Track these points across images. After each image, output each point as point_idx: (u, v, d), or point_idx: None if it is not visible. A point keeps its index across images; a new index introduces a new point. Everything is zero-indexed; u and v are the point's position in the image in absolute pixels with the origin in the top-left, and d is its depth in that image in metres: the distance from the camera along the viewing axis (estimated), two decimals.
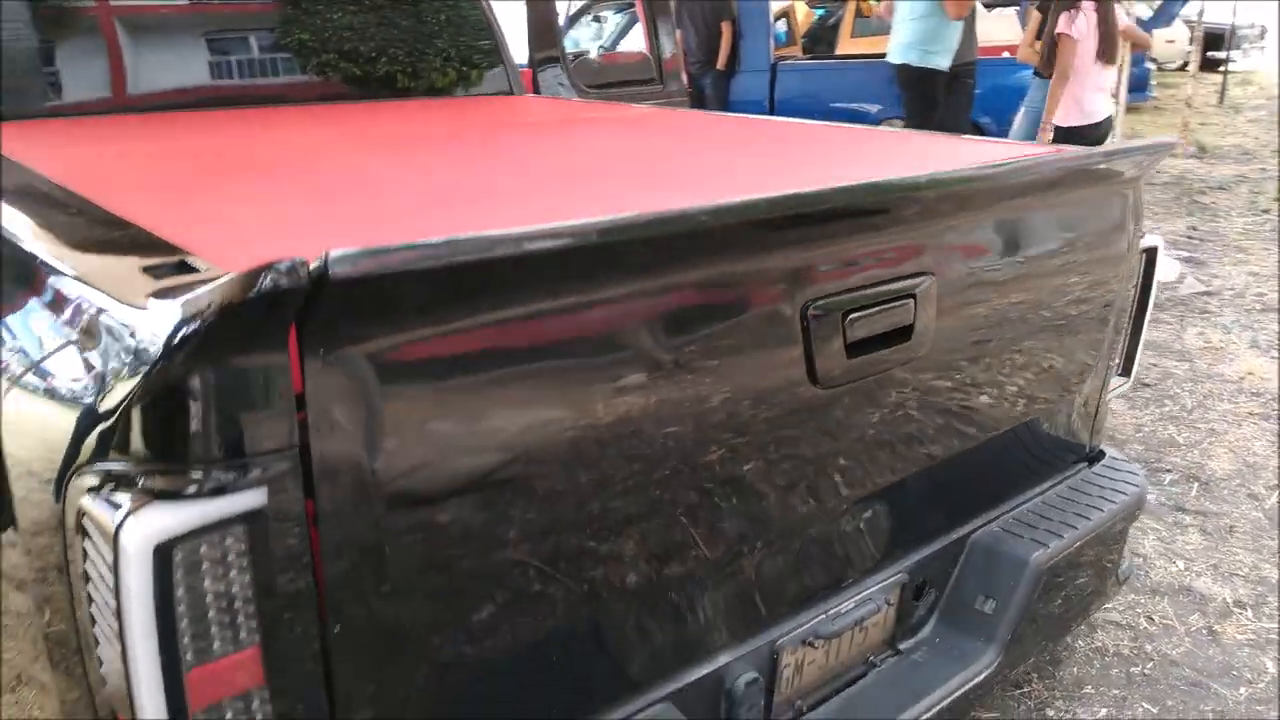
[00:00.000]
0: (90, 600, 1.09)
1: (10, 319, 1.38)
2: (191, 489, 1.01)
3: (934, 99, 6.84)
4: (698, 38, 8.89)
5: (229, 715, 1.10)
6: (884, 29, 8.67)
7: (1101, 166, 2.03)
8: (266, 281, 0.93)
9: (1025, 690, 2.44)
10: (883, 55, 7.44)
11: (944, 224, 1.74)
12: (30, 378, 1.26)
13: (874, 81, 8.05)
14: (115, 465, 1.04)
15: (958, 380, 1.86)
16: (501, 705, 1.35)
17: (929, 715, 1.84)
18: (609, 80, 4.79)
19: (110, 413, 1.06)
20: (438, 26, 3.67)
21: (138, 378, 1.02)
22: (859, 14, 11.71)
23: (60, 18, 2.96)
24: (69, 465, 1.10)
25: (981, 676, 1.94)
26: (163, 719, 1.04)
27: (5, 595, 1.37)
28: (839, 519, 1.75)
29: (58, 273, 1.30)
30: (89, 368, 1.13)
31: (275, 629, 1.09)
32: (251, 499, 1.02)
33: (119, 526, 0.99)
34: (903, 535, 1.91)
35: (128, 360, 1.05)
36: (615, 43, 9.15)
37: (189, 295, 0.98)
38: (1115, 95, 6.94)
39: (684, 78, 8.38)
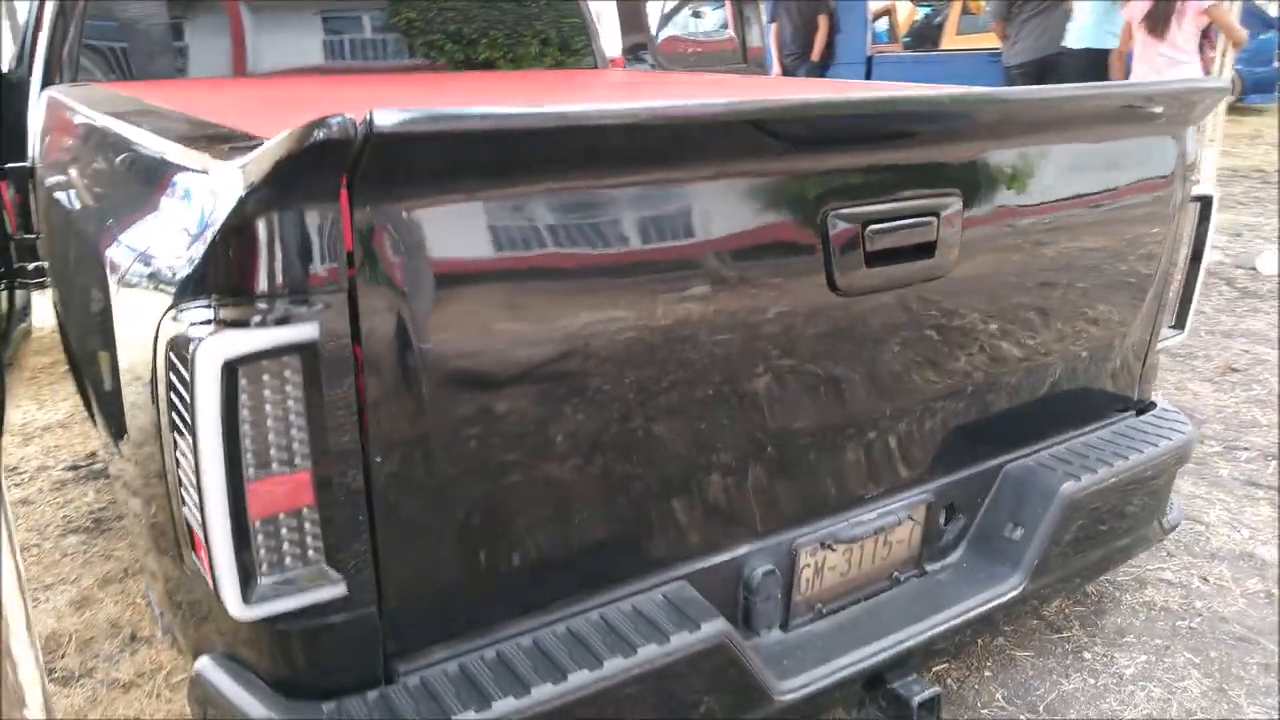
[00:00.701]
0: (175, 426, 1.28)
1: (128, 205, 1.60)
2: (255, 319, 1.19)
3: (1106, 79, 6.79)
4: (794, 31, 8.96)
5: (283, 529, 1.28)
6: (987, 26, 8.63)
7: (1140, 104, 2.06)
8: (319, 135, 1.10)
9: (1065, 634, 2.47)
10: (986, 49, 7.40)
11: (975, 147, 1.81)
12: (140, 248, 1.46)
13: (969, 72, 8.00)
14: (195, 303, 1.23)
15: (988, 309, 1.93)
16: (526, 555, 1.49)
17: (944, 629, 1.92)
18: (697, 66, 4.96)
19: (192, 259, 1.25)
20: (537, 12, 3.93)
21: (213, 227, 1.20)
22: (965, 11, 11.62)
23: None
24: (163, 310, 1.29)
25: (1003, 599, 2.00)
26: (227, 525, 1.22)
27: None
28: (863, 431, 1.84)
29: (164, 161, 1.51)
30: (182, 228, 1.33)
31: (324, 453, 1.26)
32: (305, 331, 1.19)
33: (195, 349, 1.17)
34: (929, 457, 1.99)
35: (208, 214, 1.24)
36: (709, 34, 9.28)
37: (253, 153, 1.17)
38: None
39: (774, 66, 8.45)
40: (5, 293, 3.73)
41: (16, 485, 3.34)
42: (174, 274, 1.29)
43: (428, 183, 1.24)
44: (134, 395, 1.46)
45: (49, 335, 4.47)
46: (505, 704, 1.37)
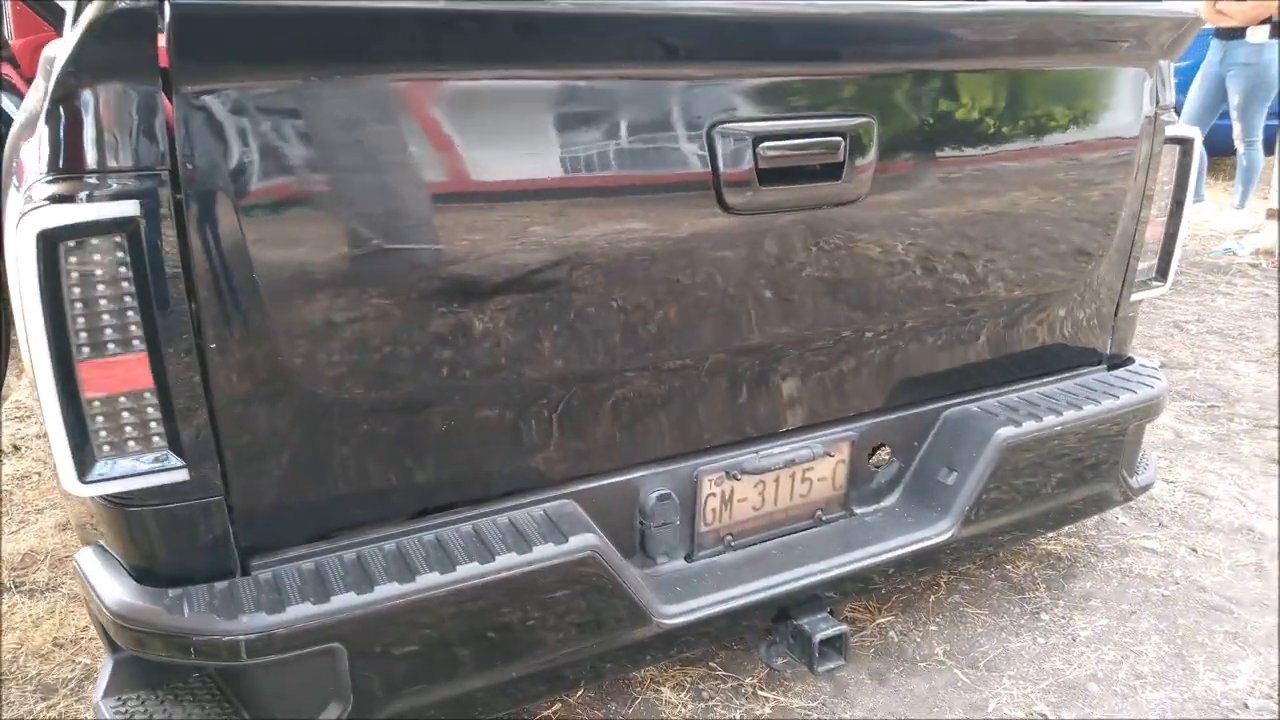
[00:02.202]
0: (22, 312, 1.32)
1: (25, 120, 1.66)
2: (82, 195, 1.22)
3: None
4: None
5: (123, 412, 1.31)
6: None
7: (1103, 28, 1.95)
8: (120, 3, 1.12)
9: (1026, 596, 2.37)
10: None
11: (898, 65, 1.74)
12: (16, 152, 1.52)
13: None
14: (33, 183, 1.27)
15: (919, 244, 1.85)
16: (390, 460, 1.50)
17: (856, 569, 1.86)
18: None
19: (33, 141, 1.29)
20: None
21: (45, 105, 1.24)
22: None
23: None
24: (20, 202, 1.34)
25: (928, 543, 1.94)
26: (55, 401, 1.25)
27: None
28: (774, 361, 1.79)
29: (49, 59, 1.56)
30: (35, 116, 1.37)
31: (156, 336, 1.28)
32: (125, 208, 1.22)
33: (18, 223, 1.20)
34: (854, 394, 1.93)
35: (46, 94, 1.27)
36: None
37: (72, 29, 1.20)
38: None
39: None
40: None
41: (39, 423, 3.50)
42: (28, 160, 1.33)
43: (244, 62, 1.25)
44: (13, 300, 1.52)
45: None
46: (344, 599, 1.38)
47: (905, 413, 2.03)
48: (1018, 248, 2.00)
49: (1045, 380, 2.22)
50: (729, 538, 1.87)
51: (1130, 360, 2.38)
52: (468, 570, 1.46)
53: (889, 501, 2.06)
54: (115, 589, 1.39)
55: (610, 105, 1.51)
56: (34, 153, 1.29)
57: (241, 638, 1.33)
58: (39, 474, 3.05)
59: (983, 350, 2.10)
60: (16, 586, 2.41)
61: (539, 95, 1.46)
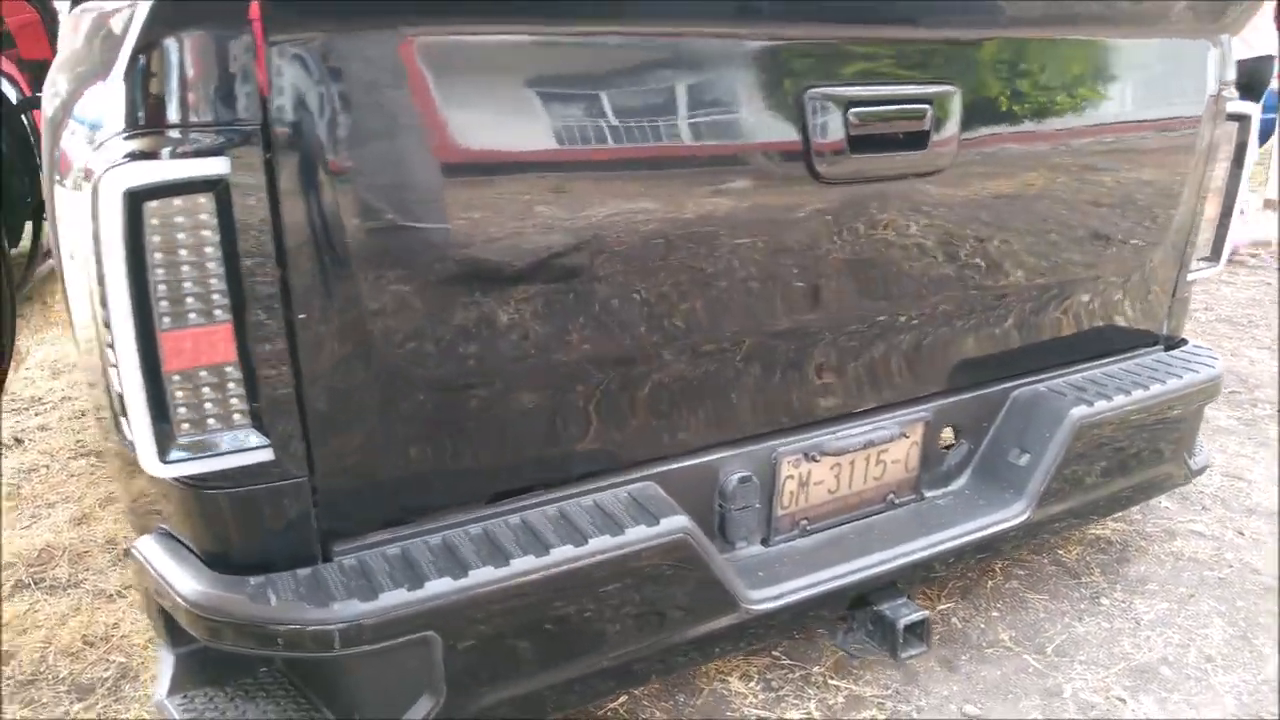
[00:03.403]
0: (98, 277, 1.22)
1: (76, 77, 1.56)
2: (165, 151, 1.12)
3: None
4: None
5: (204, 387, 1.22)
6: None
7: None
8: None
9: (1083, 580, 2.33)
10: None
11: (981, 33, 1.69)
12: (76, 109, 1.42)
13: None
14: (109, 139, 1.17)
15: (993, 218, 1.80)
16: (477, 441, 1.42)
17: (935, 553, 1.81)
18: None
19: (108, 96, 1.19)
20: None
21: (124, 57, 1.14)
22: None
23: None
24: (86, 158, 1.24)
25: (1004, 526, 1.88)
26: (138, 375, 1.16)
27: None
28: (853, 338, 1.73)
29: (102, 14, 1.46)
30: (105, 70, 1.27)
31: (243, 305, 1.19)
32: (216, 165, 1.13)
33: (98, 181, 1.11)
34: (929, 373, 1.87)
35: (124, 46, 1.17)
36: None
37: None
38: None
39: None
40: (31, 225, 3.78)
41: (37, 414, 3.37)
42: (96, 118, 1.24)
43: (341, 8, 1.16)
44: (72, 268, 1.42)
45: None
46: (439, 584, 1.30)
47: (976, 392, 1.97)
48: (1085, 224, 1.96)
49: (1105, 361, 2.17)
50: (804, 522, 1.80)
51: (1184, 341, 2.34)
52: (562, 554, 1.38)
53: (958, 484, 2.01)
54: (190, 578, 1.30)
55: (703, 68, 1.44)
56: (106, 108, 1.20)
57: (335, 627, 1.24)
58: (46, 467, 2.93)
59: (1048, 329, 2.04)
60: (36, 583, 2.30)
61: (640, 54, 1.39)
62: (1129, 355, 2.22)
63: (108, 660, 2.02)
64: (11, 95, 3.68)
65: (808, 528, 1.81)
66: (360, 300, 1.25)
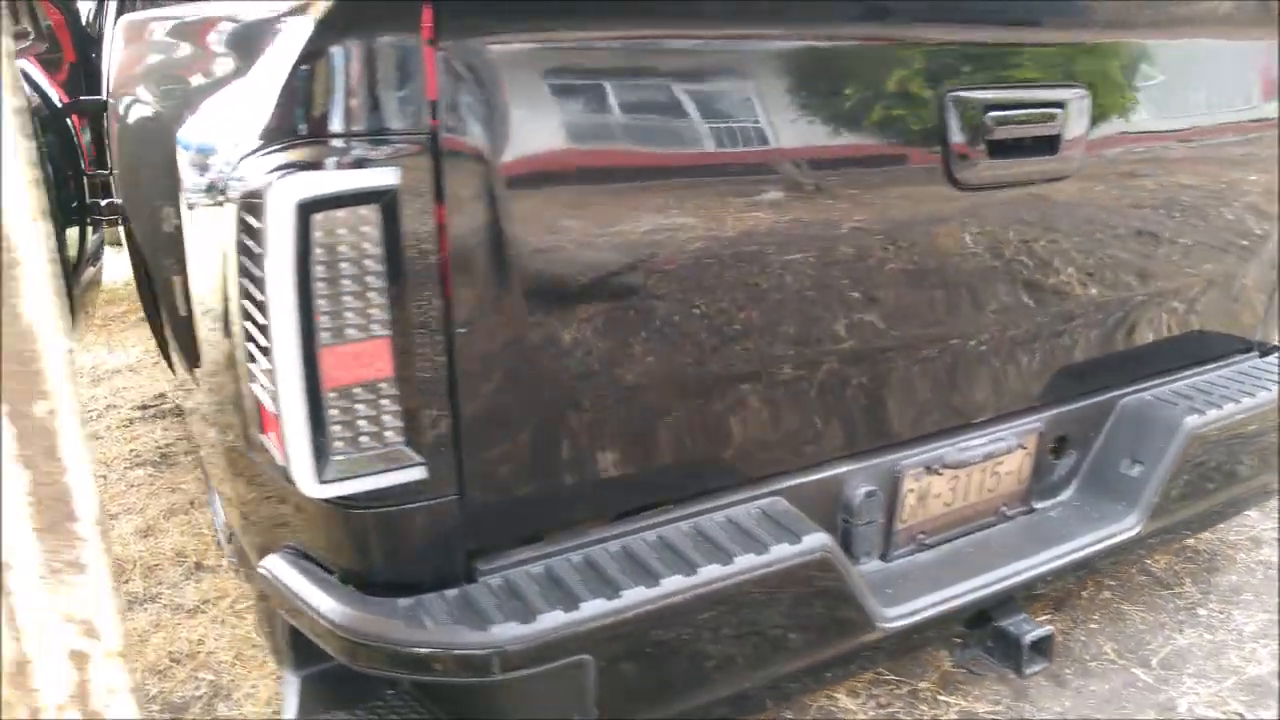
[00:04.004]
0: (245, 292, 1.18)
1: (202, 82, 1.52)
2: (331, 161, 1.08)
3: None
4: None
5: (359, 404, 1.17)
6: None
7: None
8: None
9: (1175, 591, 2.30)
10: None
11: (1112, 34, 1.65)
12: (211, 115, 1.37)
13: None
14: (269, 148, 1.13)
15: (1111, 222, 1.76)
16: (615, 456, 1.38)
17: (1056, 567, 1.76)
18: None
19: (265, 104, 1.15)
20: None
21: (287, 64, 1.10)
22: None
23: None
24: (234, 166, 1.19)
25: (1119, 539, 1.84)
26: (300, 390, 1.12)
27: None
28: (976, 347, 1.69)
29: (236, 18, 1.42)
30: (254, 77, 1.23)
31: (404, 319, 1.15)
32: (385, 176, 1.08)
33: (268, 191, 1.07)
34: (1043, 381, 1.84)
35: (282, 53, 1.13)
36: None
37: None
38: None
39: None
40: (78, 230, 3.72)
41: (84, 423, 3.32)
42: (247, 126, 1.19)
43: (525, 15, 1.12)
44: (205, 280, 1.37)
45: (121, 286, 4.48)
46: (594, 606, 1.26)
47: (1086, 401, 1.93)
48: (1194, 229, 1.92)
49: (1204, 369, 2.14)
50: (921, 536, 1.76)
51: (1277, 348, 2.30)
52: (709, 573, 1.34)
53: (1065, 495, 1.97)
54: (334, 599, 1.25)
55: (848, 72, 1.40)
56: (261, 118, 1.15)
57: (494, 651, 1.20)
58: (104, 477, 2.88)
59: (1152, 335, 2.01)
60: None
61: (800, 59, 1.35)
62: (1225, 362, 2.18)
63: (196, 678, 1.97)
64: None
65: (925, 542, 1.77)
66: (520, 314, 1.21)
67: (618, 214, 1.24)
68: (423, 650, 1.20)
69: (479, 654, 1.19)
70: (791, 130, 1.36)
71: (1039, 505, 1.93)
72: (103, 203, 3.16)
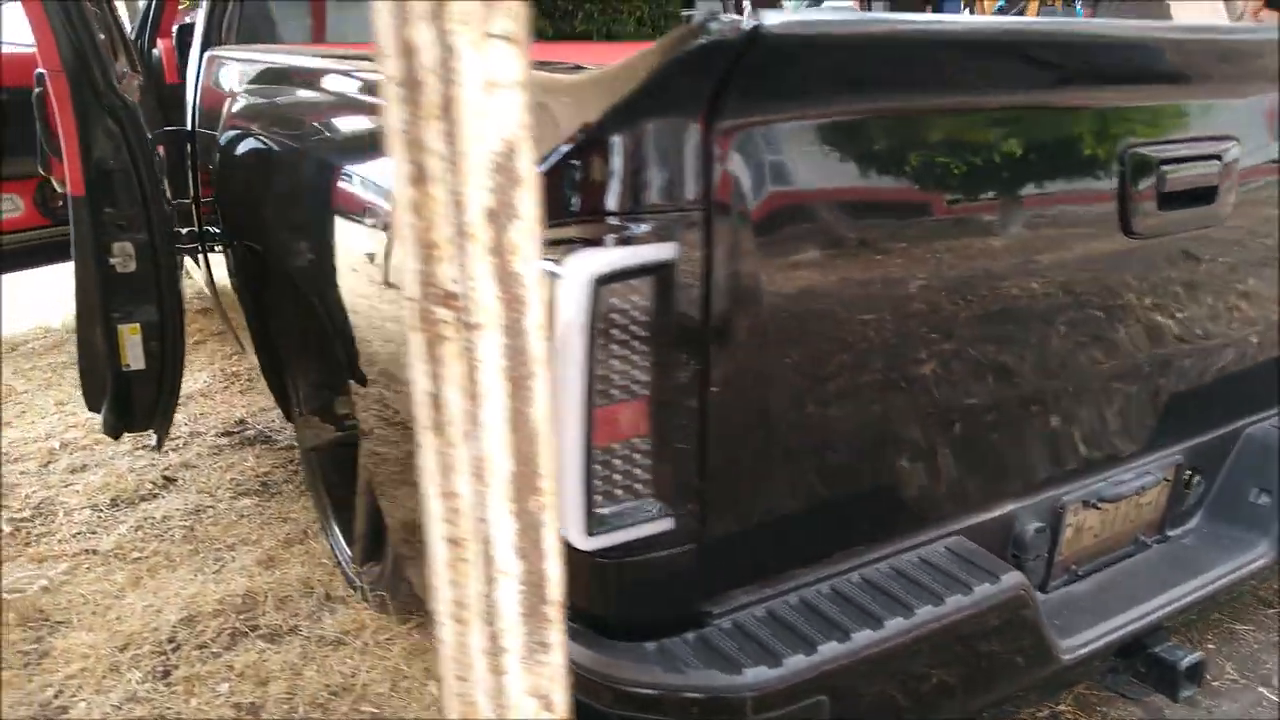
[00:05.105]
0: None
1: None
2: (612, 238, 1.15)
3: None
4: None
5: (617, 459, 1.24)
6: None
7: None
8: (702, 39, 1.06)
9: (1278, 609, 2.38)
10: None
11: (1256, 88, 1.73)
12: None
13: None
14: (561, 221, 1.19)
15: (1243, 260, 1.85)
16: (825, 501, 1.45)
17: (1201, 595, 1.84)
18: None
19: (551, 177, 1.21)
20: None
21: (566, 142, 1.17)
22: (1044, 3, 11.38)
23: None
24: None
25: (1253, 566, 1.92)
26: (581, 453, 1.19)
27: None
28: (1132, 383, 1.76)
29: None
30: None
31: (665, 381, 1.22)
32: (664, 251, 1.16)
33: (559, 267, 1.13)
34: (1184, 415, 1.91)
35: (558, 129, 1.20)
36: None
37: (618, 63, 1.13)
38: None
39: None
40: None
41: (173, 449, 3.36)
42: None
43: (801, 97, 1.19)
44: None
45: (190, 306, 4.51)
46: (830, 648, 1.32)
47: (1219, 431, 2.01)
48: None
49: None
50: (1074, 566, 1.84)
51: None
52: (926, 614, 1.41)
53: (1193, 524, 2.04)
54: (583, 645, 1.31)
55: (1035, 131, 1.48)
56: (554, 192, 1.22)
57: (748, 695, 1.26)
58: (211, 507, 2.92)
59: (1273, 363, 2.09)
60: (252, 630, 2.30)
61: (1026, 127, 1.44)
62: None
63: (359, 711, 2.02)
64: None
65: (1078, 572, 1.84)
66: (767, 375, 1.28)
67: (859, 279, 1.31)
68: (681, 694, 1.26)
69: (734, 697, 1.26)
70: (1001, 186, 1.44)
71: (1171, 533, 2.01)
72: (183, 231, 3.20)
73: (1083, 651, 1.65)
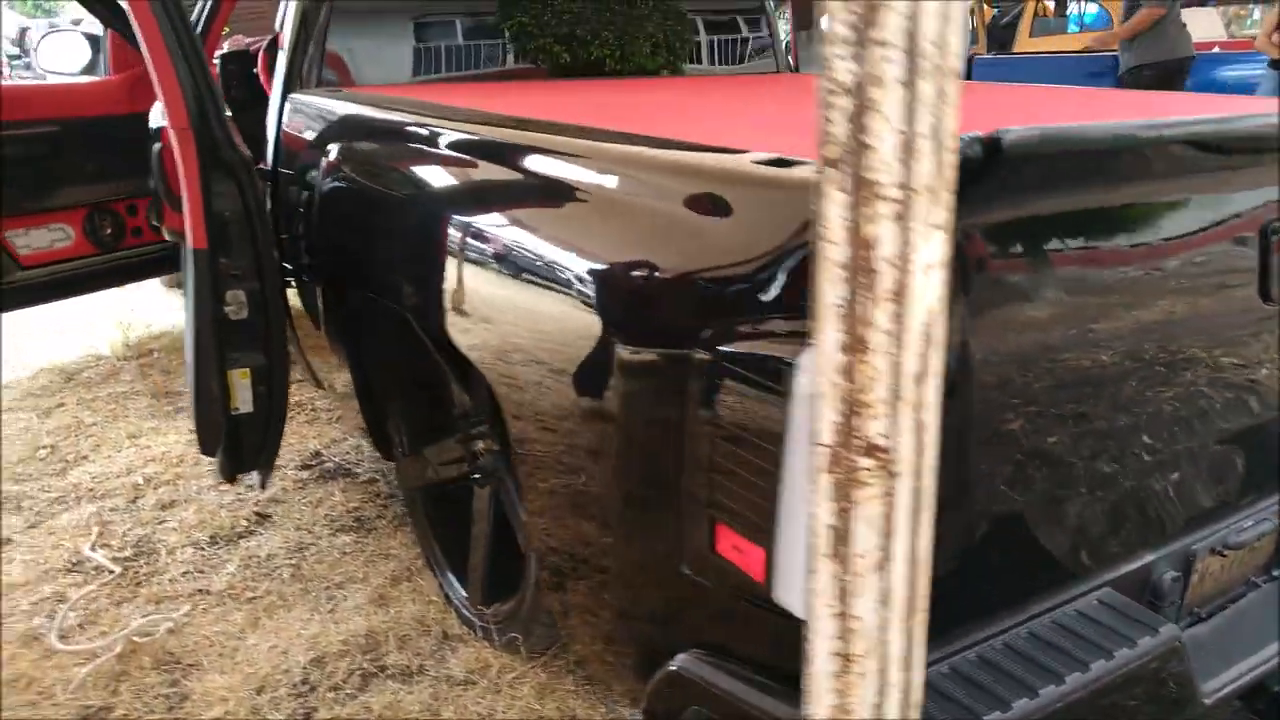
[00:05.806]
0: (730, 436, 1.34)
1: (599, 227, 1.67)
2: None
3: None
4: None
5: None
6: (1060, 29, 8.85)
7: None
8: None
9: None
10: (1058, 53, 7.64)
11: None
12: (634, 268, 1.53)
13: (1069, 75, 8.11)
14: (756, 321, 1.29)
15: None
16: (993, 557, 1.55)
17: None
18: None
19: (750, 279, 1.31)
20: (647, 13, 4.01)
21: (774, 245, 1.27)
22: (1037, 14, 11.55)
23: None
24: (695, 326, 1.36)
25: None
26: (801, 522, 1.27)
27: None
28: (1255, 434, 1.87)
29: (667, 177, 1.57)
30: (715, 246, 1.39)
31: None
32: None
33: (787, 366, 1.23)
34: None
35: (764, 232, 1.30)
36: None
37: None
38: None
39: None
40: None
41: (252, 487, 3.42)
42: (714, 291, 1.36)
43: (1016, 202, 1.29)
44: (604, 400, 1.54)
45: None
46: (1023, 705, 1.41)
47: None
48: None
49: None
50: (1195, 610, 1.93)
51: None
52: (1100, 668, 1.50)
53: None
54: (772, 699, 1.41)
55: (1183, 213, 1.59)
56: (752, 284, 1.31)
57: None
58: (313, 545, 2.99)
59: None
60: (380, 670, 2.38)
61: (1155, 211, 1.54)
62: None
63: None
64: None
65: (1201, 615, 1.93)
66: (966, 449, 1.38)
67: (1060, 344, 1.44)
68: None
69: None
70: (1162, 261, 1.54)
71: (1277, 573, 2.11)
72: None
73: (1221, 694, 1.74)
